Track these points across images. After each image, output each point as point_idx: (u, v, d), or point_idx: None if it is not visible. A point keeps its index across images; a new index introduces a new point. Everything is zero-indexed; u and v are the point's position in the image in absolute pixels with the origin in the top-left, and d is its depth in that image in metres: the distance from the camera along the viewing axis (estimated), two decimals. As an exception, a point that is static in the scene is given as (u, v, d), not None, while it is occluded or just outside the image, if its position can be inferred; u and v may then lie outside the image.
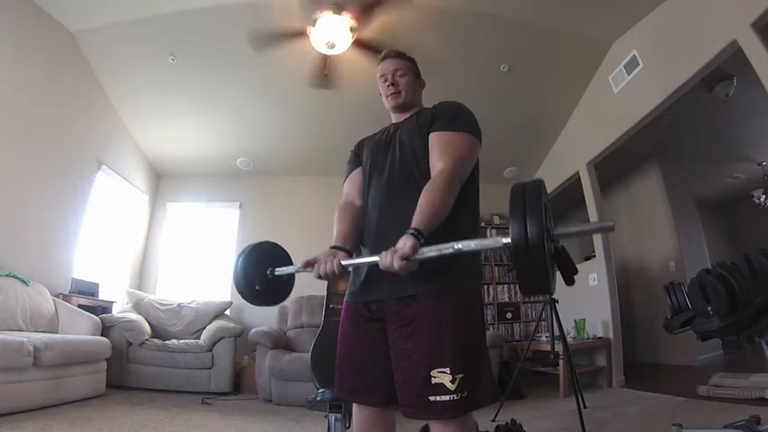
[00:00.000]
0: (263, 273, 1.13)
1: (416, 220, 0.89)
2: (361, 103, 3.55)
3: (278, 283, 1.16)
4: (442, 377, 0.90)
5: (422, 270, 0.95)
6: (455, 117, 1.08)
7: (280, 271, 1.13)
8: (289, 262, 1.19)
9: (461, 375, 0.90)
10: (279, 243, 1.24)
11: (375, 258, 0.89)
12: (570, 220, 6.47)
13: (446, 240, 0.85)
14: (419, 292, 0.98)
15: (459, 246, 0.81)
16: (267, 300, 1.17)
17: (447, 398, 0.89)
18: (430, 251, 0.84)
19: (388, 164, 1.12)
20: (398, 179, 1.09)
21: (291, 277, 1.19)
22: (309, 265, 1.00)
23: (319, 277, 0.98)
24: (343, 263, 0.96)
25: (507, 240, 0.74)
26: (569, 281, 0.85)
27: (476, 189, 1.12)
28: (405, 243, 0.84)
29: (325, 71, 3.25)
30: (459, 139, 1.04)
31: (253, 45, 3.06)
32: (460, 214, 1.03)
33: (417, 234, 0.86)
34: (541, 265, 0.71)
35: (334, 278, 0.97)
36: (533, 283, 0.75)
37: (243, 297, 1.14)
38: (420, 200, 0.93)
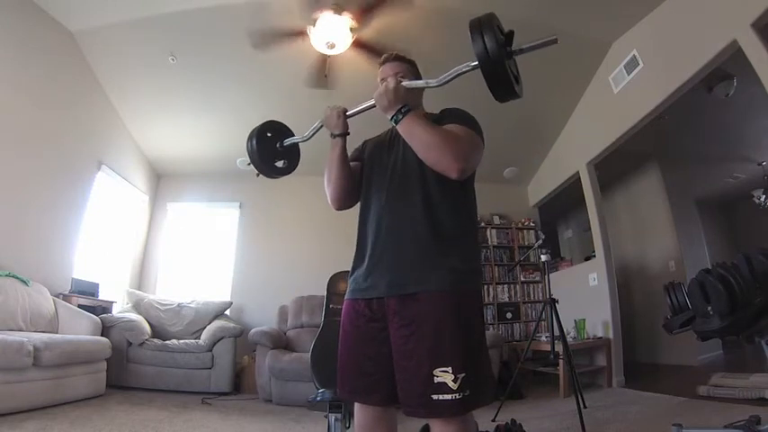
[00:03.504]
0: (273, 146, 1.37)
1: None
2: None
3: (288, 153, 1.41)
4: (445, 376, 0.91)
5: (422, 269, 1.00)
6: (465, 118, 1.11)
7: (288, 141, 1.38)
8: (293, 134, 1.43)
9: (463, 375, 0.91)
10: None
11: (371, 101, 1.09)
12: (570, 219, 6.47)
13: (446, 245, 1.01)
14: (420, 290, 0.98)
15: (438, 80, 1.01)
16: (282, 169, 1.41)
17: (449, 397, 0.90)
18: (415, 84, 1.09)
19: (391, 163, 1.13)
20: (400, 178, 1.10)
21: (297, 147, 1.45)
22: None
23: (325, 117, 1.19)
24: (348, 113, 1.18)
25: (475, 63, 0.91)
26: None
27: (473, 197, 1.16)
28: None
29: (324, 71, 3.24)
30: (469, 132, 1.06)
31: (253, 44, 3.05)
32: (460, 217, 1.07)
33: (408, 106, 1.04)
34: (505, 71, 0.88)
35: (338, 115, 1.18)
36: (502, 88, 0.92)
37: (261, 172, 1.37)
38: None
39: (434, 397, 0.91)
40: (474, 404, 0.93)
